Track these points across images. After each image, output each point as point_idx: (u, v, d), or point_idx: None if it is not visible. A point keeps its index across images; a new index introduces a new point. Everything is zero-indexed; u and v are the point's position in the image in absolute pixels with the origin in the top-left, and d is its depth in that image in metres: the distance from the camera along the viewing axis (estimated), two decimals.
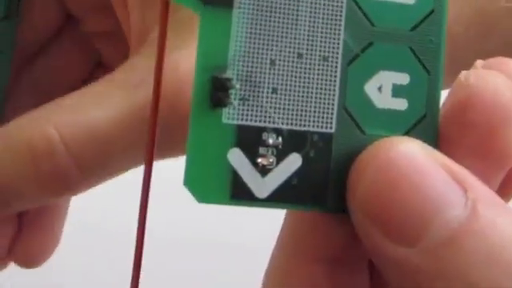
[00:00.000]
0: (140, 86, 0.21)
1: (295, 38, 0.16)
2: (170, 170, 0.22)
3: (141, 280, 0.16)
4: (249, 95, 0.15)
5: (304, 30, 0.16)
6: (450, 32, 0.23)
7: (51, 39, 0.27)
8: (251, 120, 0.15)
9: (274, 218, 0.18)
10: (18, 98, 0.26)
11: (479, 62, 0.17)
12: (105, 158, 0.21)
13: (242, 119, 0.15)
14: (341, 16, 0.16)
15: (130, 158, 0.22)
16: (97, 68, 0.28)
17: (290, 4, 0.16)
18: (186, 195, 0.15)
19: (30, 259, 0.26)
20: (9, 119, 0.23)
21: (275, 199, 0.15)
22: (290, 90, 0.16)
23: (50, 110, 0.21)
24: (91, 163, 0.21)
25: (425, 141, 0.16)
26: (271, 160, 0.15)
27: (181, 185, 0.16)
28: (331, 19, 0.16)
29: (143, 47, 0.22)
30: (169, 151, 0.22)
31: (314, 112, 0.16)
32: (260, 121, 0.15)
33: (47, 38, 0.27)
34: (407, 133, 0.16)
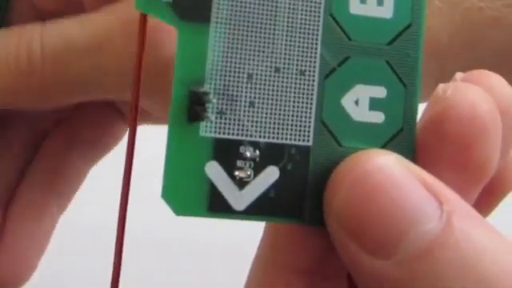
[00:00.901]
0: (117, 10, 0.22)
1: (272, 52, 0.16)
2: (158, 165, 0.22)
3: (125, 280, 0.17)
4: (226, 109, 0.16)
5: (281, 45, 0.16)
6: (437, 41, 0.23)
7: None
8: (228, 133, 0.16)
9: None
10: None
11: (458, 75, 0.17)
12: (71, 63, 0.22)
13: (220, 132, 0.15)
14: (318, 30, 0.16)
15: (99, 78, 0.22)
16: None
17: (267, 18, 0.16)
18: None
19: (7, 281, 0.26)
20: None
21: (253, 212, 0.16)
22: (268, 104, 0.16)
23: (40, 24, 0.23)
24: (58, 63, 0.22)
25: (402, 153, 0.16)
26: (249, 173, 0.16)
27: None
28: (308, 33, 0.16)
29: None
30: (149, 101, 0.22)
31: (292, 125, 0.16)
32: (237, 134, 0.16)
33: None
34: (384, 146, 0.16)
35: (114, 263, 0.16)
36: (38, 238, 0.26)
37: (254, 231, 0.20)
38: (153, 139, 0.25)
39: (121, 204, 0.16)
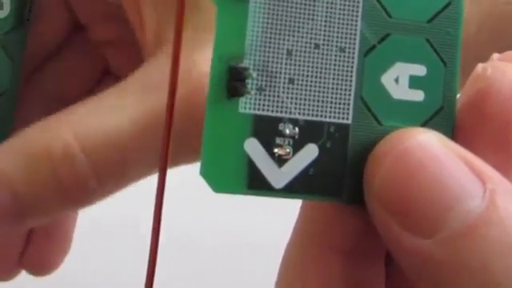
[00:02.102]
0: (153, 91, 0.21)
1: (312, 29, 0.16)
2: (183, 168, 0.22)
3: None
4: (265, 85, 0.15)
5: (321, 21, 0.16)
6: (466, 32, 0.23)
7: (60, 47, 0.27)
8: (268, 110, 0.15)
9: (285, 218, 0.18)
10: (27, 106, 0.26)
11: (495, 55, 0.17)
12: (121, 165, 0.21)
13: (259, 109, 0.15)
14: (358, 7, 0.16)
15: (147, 165, 0.21)
16: (105, 76, 0.28)
17: None
18: (198, 192, 0.15)
19: (41, 267, 0.26)
20: (18, 127, 0.23)
21: (292, 189, 0.15)
22: (307, 81, 0.15)
23: (66, 117, 0.21)
24: (108, 171, 0.21)
25: (442, 132, 0.15)
26: (288, 150, 0.15)
27: (193, 184, 0.15)
28: (348, 10, 0.16)
29: (158, 51, 0.22)
30: (183, 157, 0.22)
31: (331, 103, 0.16)
32: (277, 111, 0.15)
33: (56, 45, 0.27)
34: (424, 124, 0.16)
35: (149, 265, 0.16)
36: (65, 219, 0.26)
37: (281, 230, 0.20)
38: None
39: (156, 202, 0.16)
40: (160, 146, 0.19)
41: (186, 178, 0.23)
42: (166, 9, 0.22)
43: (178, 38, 0.16)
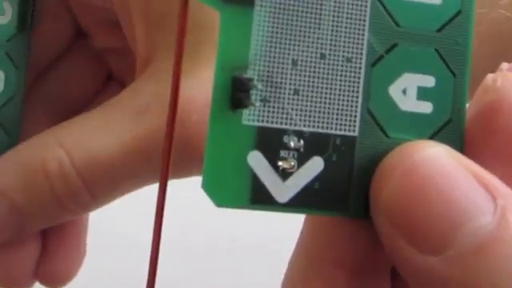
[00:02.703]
0: (144, 112, 0.21)
1: (318, 38, 0.15)
2: None
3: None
4: (270, 96, 0.15)
5: (327, 30, 0.15)
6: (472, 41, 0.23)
7: (63, 54, 0.27)
8: (272, 122, 0.15)
9: (294, 219, 0.18)
10: (32, 113, 0.26)
11: (504, 65, 0.17)
12: (112, 182, 0.22)
13: (263, 121, 0.15)
14: (365, 16, 0.15)
15: (137, 182, 0.22)
16: (108, 81, 0.28)
17: (313, 3, 0.15)
18: (203, 199, 0.15)
19: (57, 279, 0.26)
20: (23, 134, 0.24)
21: (296, 204, 0.15)
22: (313, 92, 0.15)
23: (59, 133, 0.22)
24: (100, 187, 0.22)
25: (450, 145, 0.15)
26: (292, 163, 0.15)
27: (196, 188, 0.15)
28: (355, 19, 0.15)
29: (148, 70, 0.22)
30: (177, 178, 0.22)
31: (337, 114, 0.15)
32: (281, 123, 0.15)
33: (59, 52, 0.27)
34: (432, 137, 0.16)
35: (150, 269, 0.16)
36: (78, 230, 0.26)
37: (290, 232, 0.19)
38: None
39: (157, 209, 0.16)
40: (150, 164, 0.20)
41: (184, 180, 0.23)
42: (156, 25, 0.22)
43: (178, 60, 0.16)
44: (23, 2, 0.25)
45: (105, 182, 0.22)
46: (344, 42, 0.15)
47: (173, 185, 0.17)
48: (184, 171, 0.22)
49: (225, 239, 0.47)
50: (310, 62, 0.15)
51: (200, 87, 0.21)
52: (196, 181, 0.16)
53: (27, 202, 0.22)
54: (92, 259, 0.27)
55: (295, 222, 0.18)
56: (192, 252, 0.47)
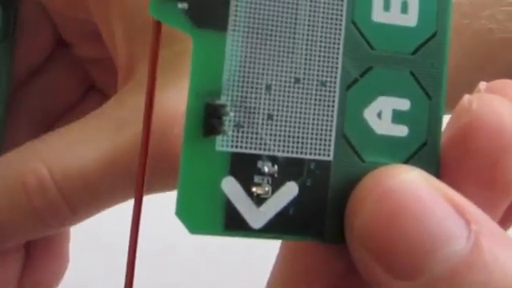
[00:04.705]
0: (125, 125, 0.21)
1: (292, 62, 0.15)
2: None
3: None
4: (243, 122, 0.15)
5: (301, 54, 0.15)
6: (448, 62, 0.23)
7: (44, 64, 0.27)
8: (246, 147, 0.15)
9: None
10: (13, 124, 0.26)
11: (482, 84, 0.17)
12: (92, 197, 0.22)
13: (237, 147, 0.15)
14: (339, 39, 0.15)
15: (117, 196, 0.22)
16: (90, 91, 0.28)
17: (286, 27, 0.15)
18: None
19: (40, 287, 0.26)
20: (4, 145, 0.24)
21: (271, 229, 0.15)
22: (287, 117, 0.15)
23: (39, 146, 0.22)
24: (80, 201, 0.22)
25: (426, 169, 0.15)
26: (266, 189, 0.15)
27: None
28: (329, 42, 0.15)
29: (130, 82, 0.22)
30: (159, 191, 0.22)
31: (312, 139, 0.15)
32: (255, 148, 0.15)
33: (40, 61, 0.27)
34: (408, 160, 0.15)
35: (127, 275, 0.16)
36: (61, 239, 0.26)
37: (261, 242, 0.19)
38: None
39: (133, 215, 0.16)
40: (131, 178, 0.20)
41: None
42: (137, 36, 0.22)
43: (154, 57, 0.16)
44: (5, 12, 0.24)
45: (85, 196, 0.22)
46: (318, 65, 0.15)
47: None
48: (165, 183, 0.22)
49: (211, 244, 0.47)
50: (284, 86, 0.15)
51: (182, 99, 0.21)
52: None
53: (5, 217, 0.22)
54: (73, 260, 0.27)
55: None
56: (173, 256, 0.47)
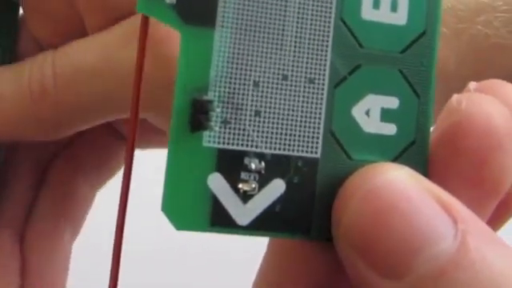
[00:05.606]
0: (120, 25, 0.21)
1: (280, 59, 0.15)
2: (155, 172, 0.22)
3: None
4: (231, 118, 0.15)
5: (289, 51, 0.15)
6: (445, 68, 0.23)
7: None
8: (233, 144, 0.15)
9: None
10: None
11: (472, 84, 0.17)
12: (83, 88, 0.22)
13: (224, 143, 0.15)
14: (328, 36, 0.15)
15: (110, 106, 0.22)
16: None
17: (275, 23, 0.15)
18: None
19: None
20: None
21: (257, 227, 0.15)
22: (274, 113, 0.15)
23: (53, 51, 0.23)
24: (69, 95, 0.22)
25: (414, 167, 0.15)
26: (253, 186, 0.15)
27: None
28: (318, 39, 0.15)
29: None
30: (152, 113, 0.21)
31: (299, 136, 0.15)
32: (242, 145, 0.15)
33: None
34: (396, 159, 0.15)
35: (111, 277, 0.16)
36: (59, 266, 0.26)
37: (254, 242, 0.19)
38: (154, 150, 0.25)
39: (118, 214, 0.16)
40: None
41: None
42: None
43: (141, 49, 0.15)
44: (6, 36, 0.24)
45: (75, 83, 0.22)
46: (307, 62, 0.15)
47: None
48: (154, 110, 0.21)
49: (196, 246, 0.47)
50: (272, 82, 0.15)
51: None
52: None
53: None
54: None
55: None
56: (159, 256, 0.47)
